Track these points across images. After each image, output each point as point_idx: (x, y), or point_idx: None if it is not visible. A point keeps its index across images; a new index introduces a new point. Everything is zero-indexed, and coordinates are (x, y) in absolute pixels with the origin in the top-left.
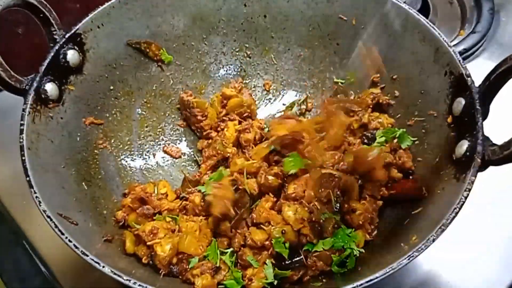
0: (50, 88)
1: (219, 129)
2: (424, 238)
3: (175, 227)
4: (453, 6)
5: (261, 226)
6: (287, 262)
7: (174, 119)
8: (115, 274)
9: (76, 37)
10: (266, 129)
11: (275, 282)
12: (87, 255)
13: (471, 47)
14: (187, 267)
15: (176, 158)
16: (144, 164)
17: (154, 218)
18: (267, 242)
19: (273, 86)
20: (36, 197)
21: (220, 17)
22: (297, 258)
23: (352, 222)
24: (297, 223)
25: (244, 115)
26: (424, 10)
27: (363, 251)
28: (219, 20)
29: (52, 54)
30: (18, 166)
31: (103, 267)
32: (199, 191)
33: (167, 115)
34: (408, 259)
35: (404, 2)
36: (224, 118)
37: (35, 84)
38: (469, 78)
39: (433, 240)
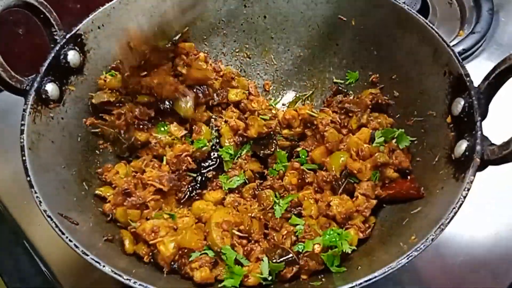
0: (51, 88)
1: None
2: (423, 237)
3: (175, 224)
4: (453, 6)
5: None
6: (278, 260)
7: None
8: (115, 273)
9: (77, 37)
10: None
11: (270, 278)
12: (88, 255)
13: (471, 47)
14: (186, 261)
15: None
16: None
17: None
18: None
19: (273, 86)
20: (37, 197)
21: (220, 18)
22: (288, 256)
23: (335, 218)
24: None
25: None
26: (424, 10)
27: (355, 248)
28: (219, 21)
29: (52, 54)
30: (18, 166)
31: (104, 266)
32: None
33: None
34: (407, 258)
35: (404, 3)
36: None
37: (35, 85)
38: (468, 78)
39: (432, 240)
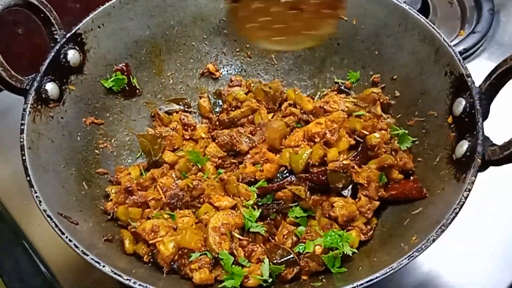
0: (51, 87)
1: None
2: (424, 238)
3: (175, 224)
4: (453, 6)
5: None
6: (279, 261)
7: None
8: (115, 274)
9: (77, 37)
10: None
11: (270, 280)
12: (88, 255)
13: (471, 47)
14: (186, 262)
15: None
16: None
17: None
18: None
19: None
20: (37, 196)
21: (220, 17)
22: (289, 257)
23: (336, 220)
24: None
25: None
26: (424, 10)
27: (356, 251)
28: (220, 20)
29: (52, 54)
30: (18, 166)
31: (104, 266)
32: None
33: None
34: (408, 259)
35: (404, 2)
36: None
37: (35, 84)
38: (469, 78)
39: (433, 240)
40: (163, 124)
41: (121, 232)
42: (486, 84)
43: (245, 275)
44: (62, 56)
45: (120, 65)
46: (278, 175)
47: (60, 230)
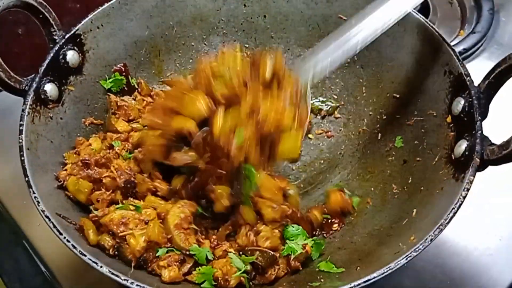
0: (50, 88)
1: None
2: (422, 238)
3: (147, 217)
4: (453, 6)
5: None
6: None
7: None
8: (112, 274)
9: (76, 37)
10: None
11: (248, 268)
12: (85, 255)
13: (471, 47)
14: (152, 256)
15: None
16: None
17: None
18: None
19: None
20: (35, 197)
21: (219, 18)
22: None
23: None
24: None
25: None
26: (424, 10)
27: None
28: (219, 21)
29: (51, 54)
30: (18, 166)
31: (101, 267)
32: None
33: None
34: (406, 259)
35: None
36: None
37: (34, 85)
38: (468, 78)
39: (431, 240)
40: (141, 94)
41: (82, 221)
42: (485, 84)
43: (224, 279)
44: (61, 57)
45: (118, 65)
46: None
47: (58, 230)
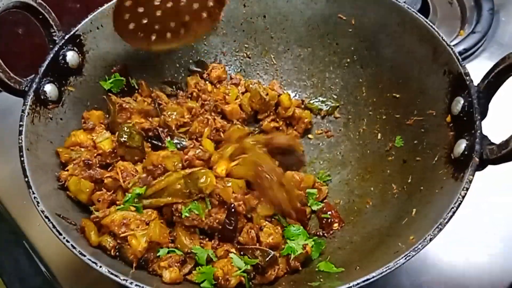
0: (50, 89)
1: None
2: (422, 237)
3: (148, 218)
4: (453, 6)
5: None
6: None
7: None
8: (112, 274)
9: (76, 38)
10: None
11: (249, 267)
12: (85, 255)
13: (471, 47)
14: (153, 257)
15: None
16: None
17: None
18: None
19: None
20: (35, 197)
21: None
22: (270, 256)
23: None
24: None
25: None
26: (424, 10)
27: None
28: (219, 21)
29: (51, 55)
30: (18, 166)
31: (100, 267)
32: None
33: None
34: (405, 258)
35: (404, 2)
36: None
37: (34, 85)
38: (467, 77)
39: (430, 240)
40: (142, 95)
41: (84, 223)
42: (484, 83)
43: (224, 278)
44: (61, 58)
45: (118, 66)
46: None
47: (57, 231)
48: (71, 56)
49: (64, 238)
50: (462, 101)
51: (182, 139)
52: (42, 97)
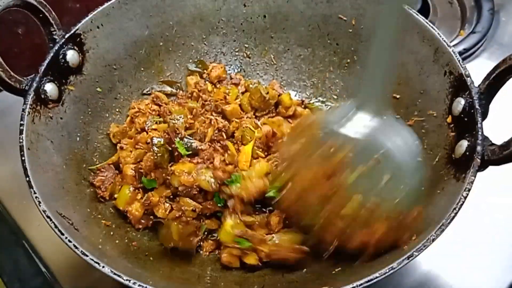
0: (50, 88)
1: None
2: (424, 238)
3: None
4: (453, 6)
5: None
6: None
7: None
8: (115, 274)
9: (76, 37)
10: None
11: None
12: (87, 255)
13: (471, 47)
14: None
15: None
16: None
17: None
18: None
19: None
20: (36, 197)
21: (219, 17)
22: None
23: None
24: None
25: None
26: (424, 10)
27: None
28: (219, 20)
29: (51, 54)
30: (18, 166)
31: (103, 267)
32: None
33: None
34: (408, 259)
35: None
36: None
37: (34, 85)
38: (468, 78)
39: (433, 240)
40: (157, 103)
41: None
42: (485, 84)
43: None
44: (61, 57)
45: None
46: None
47: (59, 230)
48: (71, 55)
49: (66, 238)
50: (463, 102)
51: (191, 140)
52: (43, 96)
